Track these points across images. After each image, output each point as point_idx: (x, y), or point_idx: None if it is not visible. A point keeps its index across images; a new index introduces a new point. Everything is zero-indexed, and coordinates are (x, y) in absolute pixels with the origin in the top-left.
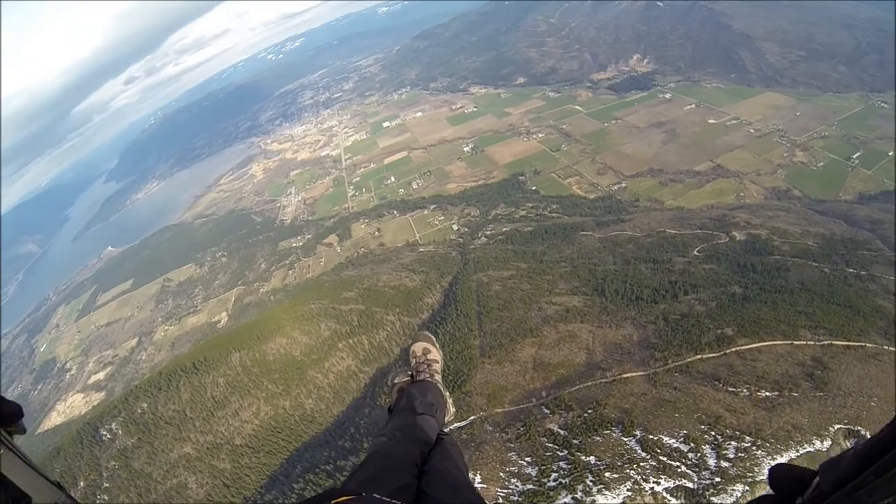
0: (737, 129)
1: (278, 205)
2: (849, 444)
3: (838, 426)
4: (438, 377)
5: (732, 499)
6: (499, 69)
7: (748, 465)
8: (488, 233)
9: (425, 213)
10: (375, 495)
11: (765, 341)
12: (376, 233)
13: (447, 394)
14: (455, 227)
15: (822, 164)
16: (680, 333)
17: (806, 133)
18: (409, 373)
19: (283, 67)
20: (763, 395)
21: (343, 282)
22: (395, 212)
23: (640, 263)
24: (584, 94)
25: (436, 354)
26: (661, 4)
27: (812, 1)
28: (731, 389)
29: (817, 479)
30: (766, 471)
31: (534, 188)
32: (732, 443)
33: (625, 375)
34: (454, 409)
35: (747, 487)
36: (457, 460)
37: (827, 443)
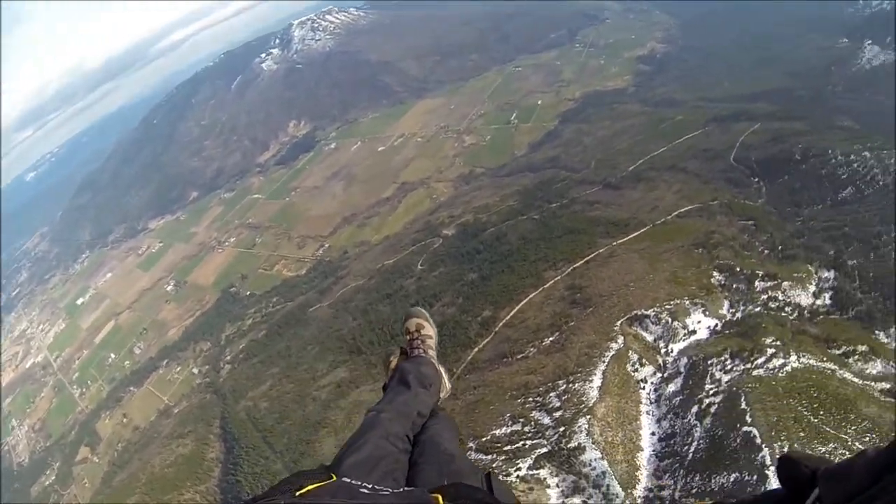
0: (405, 144)
1: (5, 447)
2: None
3: (619, 322)
4: (433, 352)
5: (584, 433)
6: (168, 193)
7: (575, 400)
8: (228, 359)
9: (161, 372)
10: (346, 479)
11: (521, 301)
12: (124, 420)
13: (442, 368)
14: (196, 371)
15: (489, 137)
16: (447, 340)
17: (465, 119)
18: (404, 349)
19: None
20: (548, 342)
21: (120, 490)
22: (132, 387)
23: (378, 305)
24: (257, 181)
25: (429, 330)
26: (299, 67)
27: (433, 8)
28: (520, 356)
29: (817, 491)
30: (591, 392)
31: (248, 293)
32: (551, 394)
33: None
34: (450, 385)
35: (588, 416)
36: (450, 430)
37: (620, 339)
